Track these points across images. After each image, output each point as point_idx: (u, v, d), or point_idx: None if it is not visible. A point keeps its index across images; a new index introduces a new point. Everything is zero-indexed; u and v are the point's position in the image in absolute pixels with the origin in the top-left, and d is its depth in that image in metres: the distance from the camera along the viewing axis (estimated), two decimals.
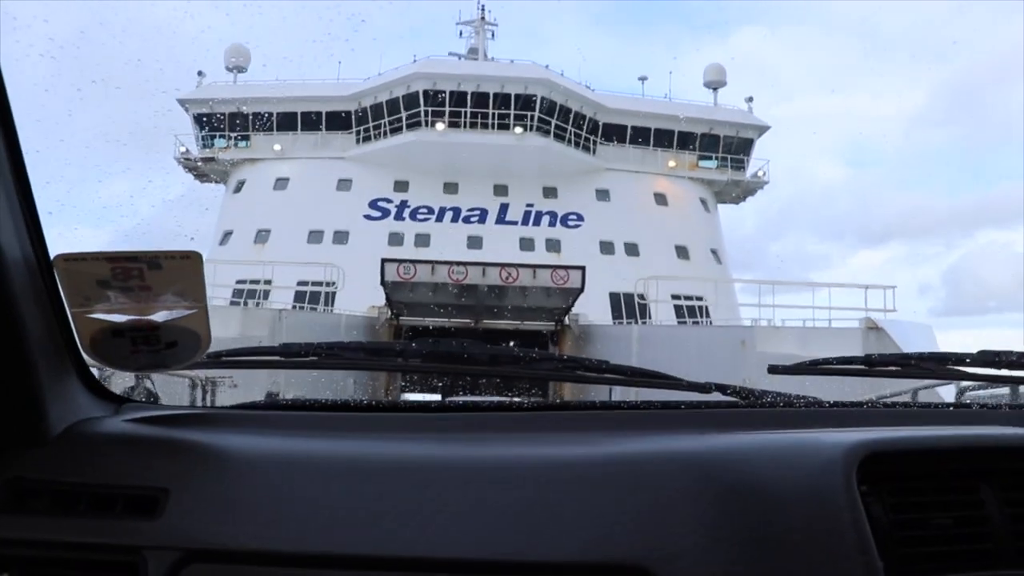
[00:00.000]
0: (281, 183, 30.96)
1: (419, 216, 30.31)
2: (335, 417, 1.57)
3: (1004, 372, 1.93)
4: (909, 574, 1.19)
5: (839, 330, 18.00)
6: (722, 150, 33.20)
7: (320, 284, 22.35)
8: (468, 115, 30.33)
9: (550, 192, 31.09)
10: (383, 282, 18.55)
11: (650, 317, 23.16)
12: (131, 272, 1.18)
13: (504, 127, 30.34)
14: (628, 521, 1.17)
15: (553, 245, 29.95)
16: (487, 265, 19.44)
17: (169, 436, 1.36)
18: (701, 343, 18.70)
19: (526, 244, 29.84)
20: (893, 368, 1.98)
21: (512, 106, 30.26)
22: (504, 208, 30.64)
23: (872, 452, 1.25)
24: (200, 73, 31.87)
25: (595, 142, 31.94)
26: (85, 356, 1.30)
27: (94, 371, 1.46)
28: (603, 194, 31.45)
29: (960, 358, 1.94)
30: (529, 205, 30.73)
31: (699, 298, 26.15)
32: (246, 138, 31.77)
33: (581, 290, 18.85)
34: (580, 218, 30.72)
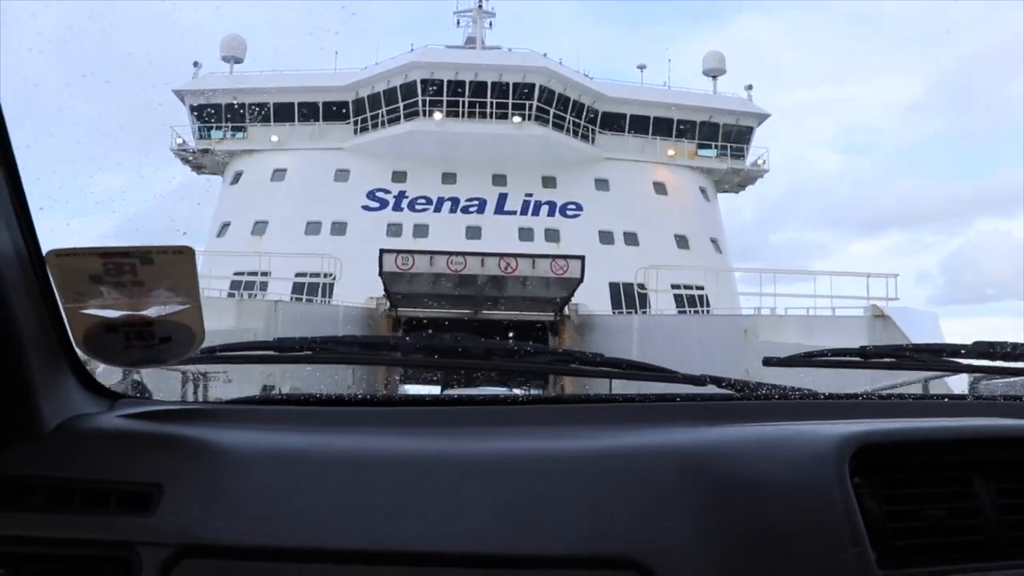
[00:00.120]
0: (278, 174, 30.83)
1: (417, 206, 30.19)
2: (329, 412, 1.57)
3: (999, 363, 1.93)
4: (902, 566, 1.19)
5: (844, 318, 17.89)
6: (722, 138, 33.07)
7: (318, 275, 22.28)
8: (466, 104, 30.19)
9: (549, 182, 30.97)
10: (381, 273, 18.49)
11: (650, 307, 23.11)
12: (123, 267, 1.17)
13: (502, 116, 30.20)
14: (622, 514, 1.17)
15: (552, 235, 29.84)
16: (486, 255, 19.40)
17: (163, 432, 1.36)
18: (703, 333, 18.63)
19: (525, 234, 29.74)
20: (888, 360, 1.99)
21: (510, 95, 30.12)
22: (503, 198, 30.52)
23: (865, 444, 1.25)
24: (196, 64, 31.73)
25: (594, 131, 31.80)
26: (78, 352, 1.30)
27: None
28: (602, 183, 31.34)
29: (955, 349, 1.95)
30: (528, 195, 30.61)
31: (699, 287, 26.12)
32: (243, 129, 31.62)
33: (580, 280, 18.81)
34: (579, 208, 30.61)
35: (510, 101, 30.13)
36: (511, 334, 18.62)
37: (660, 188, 31.91)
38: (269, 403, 1.62)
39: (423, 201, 30.28)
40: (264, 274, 22.73)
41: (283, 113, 31.00)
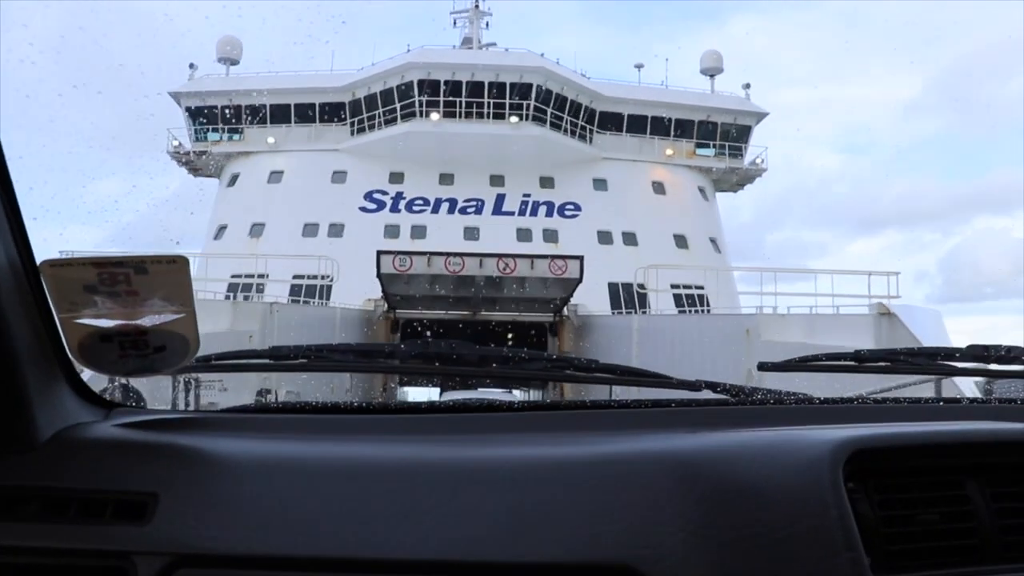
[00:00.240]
0: (275, 176, 30.76)
1: (415, 208, 30.12)
2: (325, 420, 1.57)
3: (993, 366, 1.94)
4: (896, 570, 1.19)
5: (849, 316, 17.64)
6: (720, 137, 33.03)
7: (315, 278, 22.19)
8: (463, 105, 30.12)
9: (547, 182, 30.91)
10: (379, 274, 18.44)
11: (649, 307, 23.05)
12: (117, 277, 1.18)
13: (500, 117, 30.14)
14: (616, 521, 1.17)
15: (551, 235, 29.78)
16: (484, 256, 19.36)
17: (158, 440, 1.36)
18: (704, 332, 18.51)
19: (523, 235, 29.68)
20: (883, 364, 1.99)
21: (508, 95, 30.06)
22: (501, 198, 30.45)
23: (859, 449, 1.25)
24: (192, 66, 31.64)
25: (592, 131, 31.75)
26: (74, 361, 1.30)
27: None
28: (600, 183, 31.29)
29: (949, 353, 1.96)
30: (526, 195, 30.54)
31: (699, 287, 26.06)
32: (239, 131, 31.54)
33: (580, 280, 18.78)
34: (578, 208, 30.55)
35: (507, 101, 30.07)
36: (510, 335, 18.57)
37: (658, 188, 31.87)
38: (265, 411, 1.62)
39: (420, 202, 30.20)
40: (261, 276, 22.62)
41: (279, 115, 30.93)
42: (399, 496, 1.21)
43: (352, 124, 31.03)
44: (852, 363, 1.95)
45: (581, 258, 18.87)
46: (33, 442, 1.26)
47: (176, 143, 32.40)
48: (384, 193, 30.25)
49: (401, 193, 30.29)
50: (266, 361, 1.79)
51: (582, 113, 31.41)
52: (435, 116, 30.03)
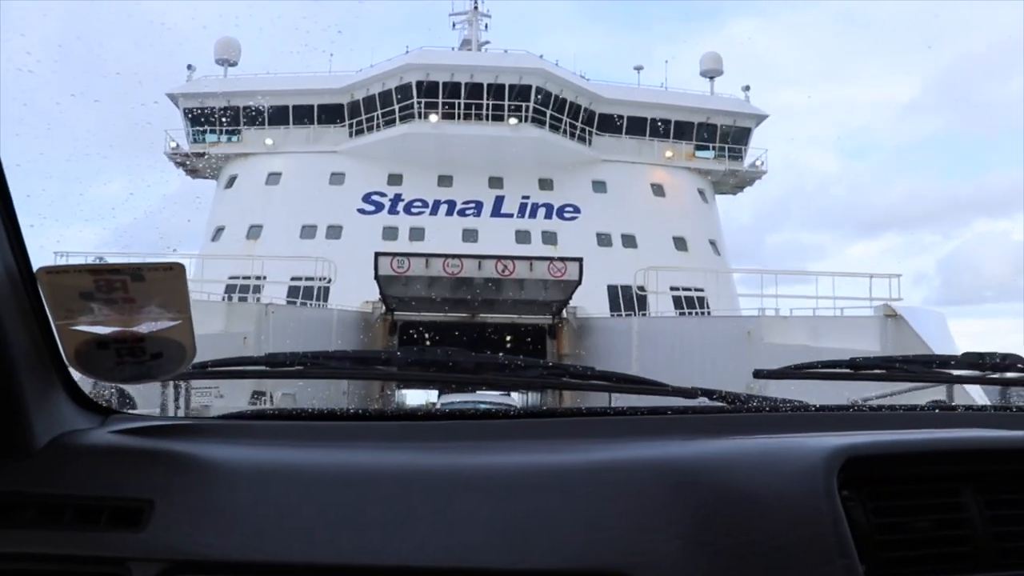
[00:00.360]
0: (273, 178, 30.66)
1: (413, 209, 30.03)
2: (321, 427, 1.58)
3: (988, 374, 1.96)
4: None
5: (853, 318, 17.53)
6: (719, 140, 32.97)
7: (313, 279, 22.10)
8: (462, 106, 30.05)
9: (546, 184, 30.83)
10: (377, 276, 18.38)
11: (649, 309, 22.98)
12: (114, 284, 1.19)
13: (499, 118, 30.06)
14: (611, 528, 1.17)
15: (550, 238, 29.70)
16: (483, 258, 19.33)
17: (154, 447, 1.36)
18: (705, 335, 18.42)
19: (522, 237, 29.60)
20: (878, 371, 2.00)
21: (507, 97, 29.99)
22: (499, 200, 30.37)
23: (853, 456, 1.25)
24: (190, 67, 31.55)
25: (591, 133, 31.67)
26: (70, 368, 1.31)
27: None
28: (600, 185, 31.21)
29: (944, 360, 1.98)
30: (525, 197, 30.46)
31: (699, 289, 25.98)
32: (237, 132, 31.45)
33: (579, 282, 18.73)
34: (577, 210, 30.47)
35: (506, 103, 29.99)
36: (508, 338, 18.52)
37: (658, 190, 31.78)
38: (261, 418, 1.63)
39: (419, 204, 30.12)
40: (259, 278, 22.52)
41: (278, 116, 30.85)
42: (395, 503, 1.21)
43: (350, 126, 30.95)
44: (848, 371, 1.96)
45: (580, 260, 18.82)
46: (30, 449, 1.27)
47: (174, 144, 32.28)
48: (382, 195, 30.16)
49: (400, 195, 30.20)
50: (262, 368, 1.81)
51: (581, 115, 31.34)
52: (434, 118, 29.95)
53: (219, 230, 30.40)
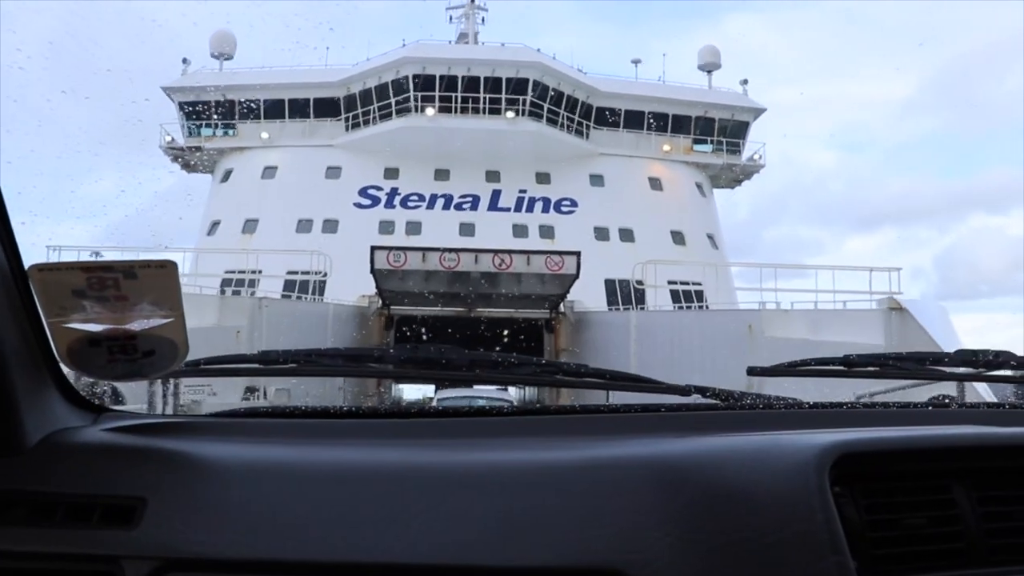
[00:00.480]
0: (269, 172, 30.56)
1: (410, 203, 29.92)
2: (314, 424, 1.58)
3: (982, 371, 1.97)
4: (882, 574, 1.20)
5: (856, 312, 17.37)
6: (717, 133, 32.87)
7: (309, 273, 21.98)
8: (459, 100, 29.93)
9: (543, 178, 30.72)
10: (373, 270, 18.25)
11: (646, 303, 22.85)
12: (106, 281, 1.19)
13: (496, 112, 29.94)
14: (605, 526, 1.18)
15: (547, 231, 29.61)
16: (479, 251, 19.23)
17: (147, 445, 1.36)
18: (704, 329, 18.29)
19: (519, 231, 29.49)
20: (872, 369, 2.01)
21: (504, 90, 29.86)
22: (496, 194, 30.25)
23: (845, 453, 1.25)
24: (185, 60, 31.37)
25: (588, 126, 31.56)
26: (62, 365, 1.32)
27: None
28: (597, 179, 31.10)
29: (938, 358, 1.98)
30: (522, 191, 30.36)
31: (696, 283, 25.87)
32: (232, 126, 31.32)
33: (576, 276, 18.63)
34: (574, 204, 30.37)
35: (503, 96, 29.88)
36: (505, 332, 18.40)
37: (655, 184, 31.69)
38: (254, 415, 1.63)
39: (416, 198, 30.00)
40: (255, 272, 22.37)
41: (273, 110, 30.73)
42: (388, 500, 1.22)
43: (347, 119, 30.83)
44: (841, 368, 1.97)
45: (578, 254, 18.71)
46: (21, 446, 1.27)
47: (169, 138, 32.13)
48: (379, 189, 30.06)
49: (396, 189, 30.09)
50: (256, 366, 1.83)
51: (579, 108, 31.21)
52: (430, 111, 29.82)
53: (215, 224, 30.29)
